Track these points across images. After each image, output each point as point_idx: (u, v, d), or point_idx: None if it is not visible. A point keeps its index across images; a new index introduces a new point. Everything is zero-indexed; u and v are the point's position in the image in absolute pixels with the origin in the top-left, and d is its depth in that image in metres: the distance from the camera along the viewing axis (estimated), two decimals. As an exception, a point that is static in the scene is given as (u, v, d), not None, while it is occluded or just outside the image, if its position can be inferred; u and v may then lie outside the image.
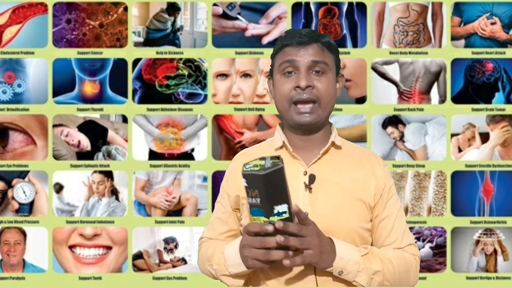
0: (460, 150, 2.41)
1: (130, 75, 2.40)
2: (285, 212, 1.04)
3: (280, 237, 1.04)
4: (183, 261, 2.40)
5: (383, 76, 2.41)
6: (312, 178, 1.21)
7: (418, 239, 2.37)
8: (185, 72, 2.40)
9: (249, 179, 1.02)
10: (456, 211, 2.39)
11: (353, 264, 1.13)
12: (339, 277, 1.14)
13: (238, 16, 2.40)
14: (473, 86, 2.41)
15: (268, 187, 1.01)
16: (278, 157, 1.06)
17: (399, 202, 1.28)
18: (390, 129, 2.41)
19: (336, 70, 1.25)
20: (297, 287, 1.18)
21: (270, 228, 1.04)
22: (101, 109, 2.41)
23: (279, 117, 2.41)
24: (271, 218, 1.04)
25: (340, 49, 1.30)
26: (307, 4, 2.41)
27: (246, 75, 2.41)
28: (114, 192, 2.41)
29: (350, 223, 1.19)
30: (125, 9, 2.41)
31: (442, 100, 2.41)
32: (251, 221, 1.08)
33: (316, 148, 1.24)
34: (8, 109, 2.39)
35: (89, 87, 2.41)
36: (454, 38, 2.41)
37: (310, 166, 1.23)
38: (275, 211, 1.04)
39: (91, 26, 2.40)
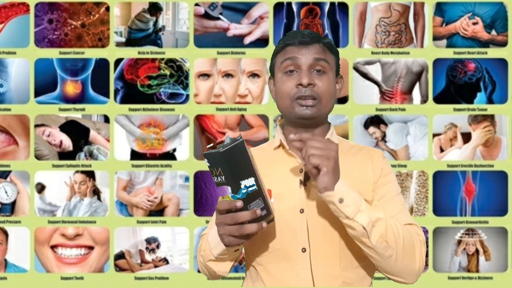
0: (442, 150, 2.41)
1: (112, 75, 2.40)
2: (252, 185, 1.04)
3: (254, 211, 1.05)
4: (165, 261, 2.40)
5: (365, 76, 2.42)
6: (307, 175, 1.21)
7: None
8: (167, 72, 2.41)
9: (210, 158, 1.02)
10: (438, 211, 2.39)
11: (354, 198, 1.08)
12: (338, 207, 1.07)
13: (220, 16, 2.40)
14: (455, 86, 2.41)
15: (229, 163, 1.01)
16: (238, 136, 1.07)
17: (398, 188, 1.25)
18: (372, 129, 2.41)
19: (336, 71, 1.26)
20: (294, 287, 1.18)
21: (239, 204, 1.04)
22: (83, 109, 2.41)
23: (262, 117, 2.41)
24: (240, 193, 1.04)
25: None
26: (289, 4, 2.41)
27: (228, 75, 2.41)
28: (96, 192, 2.41)
29: None
30: (107, 9, 2.41)
31: (424, 100, 2.41)
32: (221, 199, 1.08)
33: None
34: (-10, 109, 2.39)
35: (71, 87, 2.41)
36: (436, 38, 2.42)
37: None
38: (242, 186, 1.03)
39: (73, 26, 2.40)
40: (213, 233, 1.16)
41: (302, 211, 1.19)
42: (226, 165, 1.01)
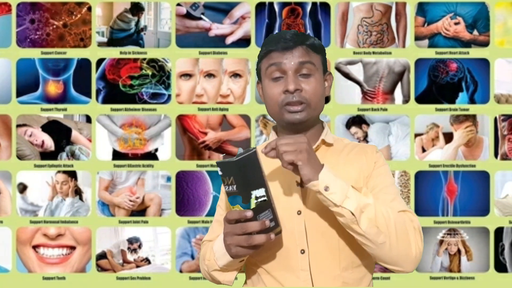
0: (423, 150, 2.41)
1: (94, 75, 2.40)
2: (262, 196, 1.05)
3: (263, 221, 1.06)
4: (147, 261, 2.40)
5: (347, 76, 2.41)
6: None
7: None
8: (149, 72, 2.40)
9: (223, 166, 1.03)
10: (420, 211, 2.39)
11: (341, 186, 1.08)
12: (324, 195, 1.07)
13: (202, 16, 2.40)
14: (437, 86, 2.41)
15: (242, 172, 1.02)
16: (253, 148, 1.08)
17: (391, 180, 1.24)
18: (353, 129, 2.41)
19: (323, 70, 1.25)
20: (293, 287, 1.18)
21: (249, 213, 1.05)
22: (65, 109, 2.41)
23: (243, 117, 2.41)
24: (250, 203, 1.05)
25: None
26: (271, 4, 2.41)
27: (209, 75, 2.41)
28: (77, 192, 2.41)
29: None
30: (89, 9, 2.41)
31: (406, 100, 2.41)
32: (230, 209, 1.09)
33: None
34: (-29, 109, 2.39)
35: (53, 87, 2.41)
36: (417, 38, 2.42)
37: None
38: (253, 196, 1.05)
39: (54, 26, 2.40)
40: (219, 244, 1.16)
41: (299, 212, 1.19)
42: (238, 175, 1.02)
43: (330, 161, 1.23)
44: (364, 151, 1.26)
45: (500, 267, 2.38)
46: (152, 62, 2.40)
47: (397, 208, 1.16)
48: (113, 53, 2.41)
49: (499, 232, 2.38)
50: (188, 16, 2.40)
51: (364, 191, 1.12)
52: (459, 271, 2.38)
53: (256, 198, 1.05)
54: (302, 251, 1.18)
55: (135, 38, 2.41)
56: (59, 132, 2.40)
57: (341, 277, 1.18)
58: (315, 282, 1.17)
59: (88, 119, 2.41)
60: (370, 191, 1.20)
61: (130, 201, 2.39)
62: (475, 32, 2.41)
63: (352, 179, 1.21)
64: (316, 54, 1.23)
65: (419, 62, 2.40)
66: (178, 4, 2.40)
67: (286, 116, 1.20)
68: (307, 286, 1.17)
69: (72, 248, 2.38)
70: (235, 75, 2.42)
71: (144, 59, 2.40)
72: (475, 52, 2.40)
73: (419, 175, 2.39)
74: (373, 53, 2.40)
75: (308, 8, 2.41)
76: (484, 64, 2.40)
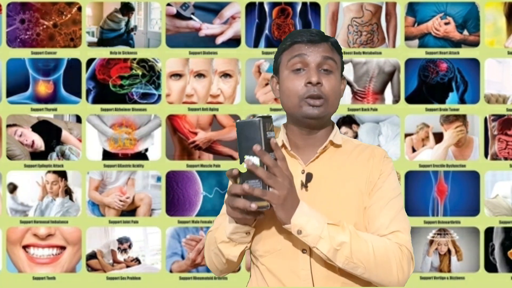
0: (414, 150, 2.41)
1: (84, 75, 2.41)
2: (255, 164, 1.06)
3: (245, 185, 1.05)
4: (137, 261, 2.40)
5: (337, 76, 2.41)
6: (309, 177, 1.21)
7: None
8: (139, 72, 2.41)
9: (236, 126, 1.07)
10: (410, 211, 2.38)
11: (315, 227, 1.09)
12: (299, 238, 1.10)
13: (192, 16, 2.40)
14: (427, 86, 2.41)
15: (241, 136, 1.05)
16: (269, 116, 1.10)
17: (396, 191, 1.23)
18: (344, 129, 2.41)
19: (341, 72, 1.26)
20: (293, 287, 1.18)
21: (235, 171, 1.07)
22: (55, 109, 2.41)
23: (234, 117, 2.41)
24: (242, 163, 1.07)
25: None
26: (261, 4, 2.41)
27: (199, 75, 2.41)
28: (68, 192, 2.41)
29: (347, 221, 1.17)
30: (79, 9, 2.41)
31: (396, 100, 2.41)
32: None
33: (317, 147, 1.24)
34: (-39, 109, 2.39)
35: (43, 87, 2.41)
36: (408, 38, 2.42)
37: (308, 165, 1.23)
38: (245, 159, 1.06)
39: (45, 26, 2.40)
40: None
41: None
42: (239, 137, 1.05)
43: (337, 163, 1.23)
44: (373, 154, 1.25)
45: (490, 267, 2.38)
46: (142, 62, 2.40)
47: (389, 230, 1.17)
48: (103, 53, 2.41)
49: (489, 232, 2.38)
50: (178, 16, 2.40)
51: (342, 225, 1.13)
52: (449, 271, 2.38)
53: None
54: (304, 251, 1.18)
55: (125, 38, 2.41)
56: (49, 132, 2.40)
57: (341, 278, 1.18)
58: (315, 282, 1.17)
59: (78, 119, 2.41)
60: (374, 202, 1.20)
61: (120, 201, 2.39)
62: (465, 32, 2.41)
63: (357, 184, 1.21)
64: (337, 54, 1.23)
65: (409, 62, 2.40)
66: (168, 4, 2.40)
67: (304, 109, 1.20)
68: (308, 285, 1.17)
69: (62, 248, 2.38)
70: (225, 75, 2.42)
71: (134, 59, 2.40)
72: (465, 52, 2.40)
73: (409, 175, 2.39)
74: (363, 53, 2.40)
75: (298, 8, 2.41)
76: (474, 64, 2.40)
